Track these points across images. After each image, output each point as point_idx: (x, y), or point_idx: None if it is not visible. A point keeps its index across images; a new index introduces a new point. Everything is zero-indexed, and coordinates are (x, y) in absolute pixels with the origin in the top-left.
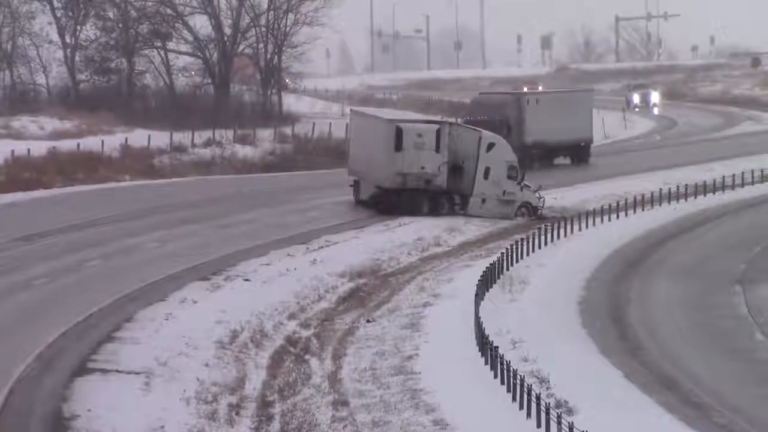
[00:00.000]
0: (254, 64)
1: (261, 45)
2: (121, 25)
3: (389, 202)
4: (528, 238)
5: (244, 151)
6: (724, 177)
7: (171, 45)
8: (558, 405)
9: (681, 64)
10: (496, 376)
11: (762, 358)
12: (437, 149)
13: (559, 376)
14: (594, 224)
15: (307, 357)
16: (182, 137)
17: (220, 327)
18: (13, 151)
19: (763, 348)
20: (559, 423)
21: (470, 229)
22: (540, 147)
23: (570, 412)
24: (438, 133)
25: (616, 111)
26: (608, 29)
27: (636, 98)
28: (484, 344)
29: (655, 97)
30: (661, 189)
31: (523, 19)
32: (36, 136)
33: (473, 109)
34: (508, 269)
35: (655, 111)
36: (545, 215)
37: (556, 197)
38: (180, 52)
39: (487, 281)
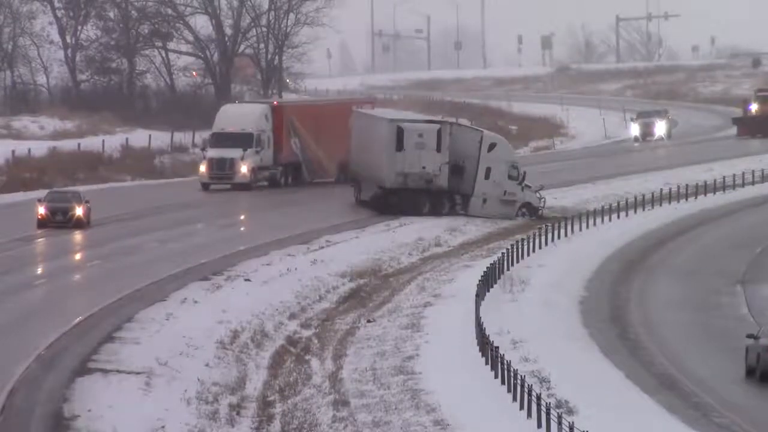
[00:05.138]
0: (255, 65)
1: (262, 45)
2: (121, 25)
3: (390, 202)
4: (529, 238)
5: None
6: (724, 177)
7: (172, 45)
8: (558, 405)
9: (682, 65)
10: (496, 376)
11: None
12: (438, 149)
13: (560, 376)
14: (594, 224)
15: (307, 357)
16: (183, 137)
17: (221, 327)
18: (13, 151)
19: None
20: (559, 423)
21: (471, 229)
22: None
23: (570, 412)
24: (439, 133)
25: (617, 111)
26: (609, 29)
27: (635, 129)
28: (485, 344)
29: (660, 128)
30: (661, 189)
31: (523, 20)
32: (37, 136)
33: None
34: (508, 269)
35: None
36: (546, 215)
37: (556, 197)
38: (181, 52)
39: (487, 281)
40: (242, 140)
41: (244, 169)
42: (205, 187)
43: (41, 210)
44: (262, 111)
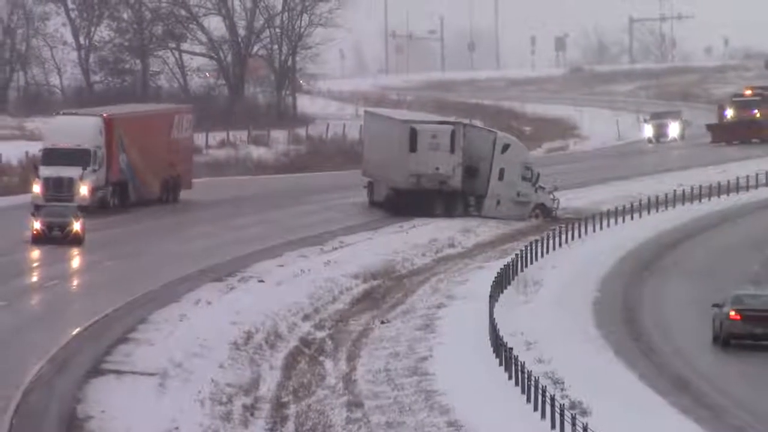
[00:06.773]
0: (268, 65)
1: (275, 46)
2: (135, 26)
3: (403, 203)
4: (542, 239)
5: (258, 152)
6: (738, 178)
7: (185, 46)
8: (572, 406)
9: (695, 66)
10: (510, 378)
11: None
12: (452, 150)
13: (574, 377)
14: (608, 225)
15: (321, 358)
16: (196, 138)
17: (235, 328)
18: (27, 152)
19: None
20: (573, 424)
21: (484, 230)
22: None
23: (584, 413)
24: (452, 133)
25: (630, 112)
26: (622, 31)
27: (648, 131)
28: (499, 345)
29: (674, 129)
30: (675, 190)
31: (537, 21)
32: None
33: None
34: (522, 270)
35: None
36: (559, 216)
37: (570, 198)
38: (194, 53)
39: (501, 283)
40: (79, 157)
41: (84, 190)
42: (38, 209)
43: (36, 225)
44: (96, 124)
